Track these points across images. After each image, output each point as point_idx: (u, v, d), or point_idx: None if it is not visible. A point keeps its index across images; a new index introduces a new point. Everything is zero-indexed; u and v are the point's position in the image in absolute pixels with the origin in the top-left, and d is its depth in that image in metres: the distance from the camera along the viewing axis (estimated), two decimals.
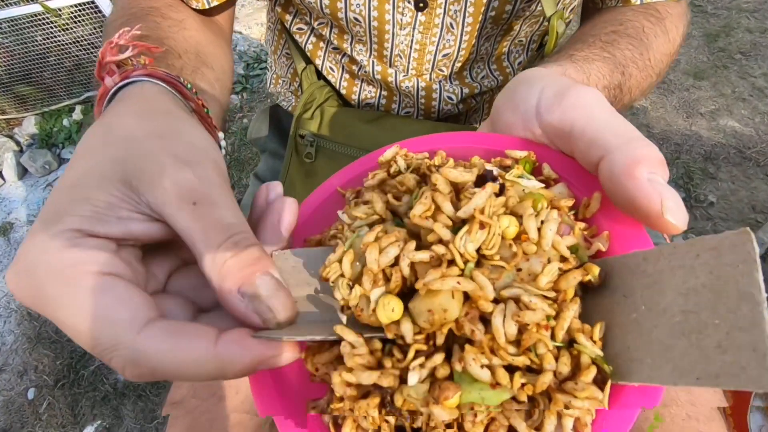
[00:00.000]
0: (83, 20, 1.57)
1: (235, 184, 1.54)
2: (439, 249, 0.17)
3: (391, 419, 0.18)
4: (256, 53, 1.91)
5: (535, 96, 0.23)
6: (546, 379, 0.15)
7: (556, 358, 0.16)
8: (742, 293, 0.13)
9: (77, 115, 1.80)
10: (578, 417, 0.15)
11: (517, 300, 0.16)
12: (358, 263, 0.19)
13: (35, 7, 1.48)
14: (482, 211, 0.17)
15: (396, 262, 0.18)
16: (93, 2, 1.49)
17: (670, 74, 1.53)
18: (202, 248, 0.18)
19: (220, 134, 0.29)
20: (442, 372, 0.17)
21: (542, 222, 0.17)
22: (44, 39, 1.61)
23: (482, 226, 0.16)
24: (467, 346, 0.17)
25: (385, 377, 0.17)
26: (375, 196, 0.20)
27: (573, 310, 0.16)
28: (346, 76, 0.51)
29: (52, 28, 1.57)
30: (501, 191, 0.19)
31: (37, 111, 1.86)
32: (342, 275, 0.19)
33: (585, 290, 0.19)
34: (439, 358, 0.16)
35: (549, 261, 0.17)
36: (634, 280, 0.17)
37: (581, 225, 0.19)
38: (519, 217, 0.18)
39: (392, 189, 0.21)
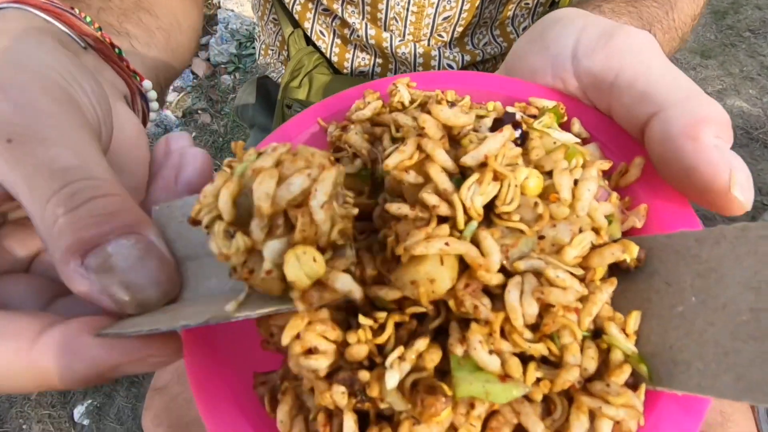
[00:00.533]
0: None
1: None
2: (431, 199, 0.13)
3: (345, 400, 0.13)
4: (248, 31, 1.84)
5: (572, 36, 0.19)
6: (570, 377, 0.12)
7: (581, 351, 0.13)
8: None
9: None
10: (620, 421, 0.12)
11: (538, 274, 0.13)
12: (245, 200, 0.12)
13: None
14: (496, 159, 0.13)
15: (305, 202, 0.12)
16: None
17: (678, 53, 1.48)
18: (28, 203, 0.13)
19: (146, 83, 0.24)
20: (430, 359, 0.13)
21: (576, 181, 0.14)
22: None
23: (496, 177, 0.13)
24: (474, 325, 0.13)
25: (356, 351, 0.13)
26: (353, 136, 0.16)
27: (607, 292, 0.13)
28: (338, 41, 0.47)
29: None
30: (522, 143, 0.15)
31: None
32: (219, 217, 0.13)
33: (612, 273, 0.15)
34: (422, 343, 0.13)
35: (580, 230, 0.14)
36: (681, 265, 0.14)
37: (615, 195, 0.16)
38: (545, 175, 0.14)
39: (386, 128, 0.17)
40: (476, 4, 0.42)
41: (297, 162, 0.12)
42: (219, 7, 2.00)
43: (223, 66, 1.79)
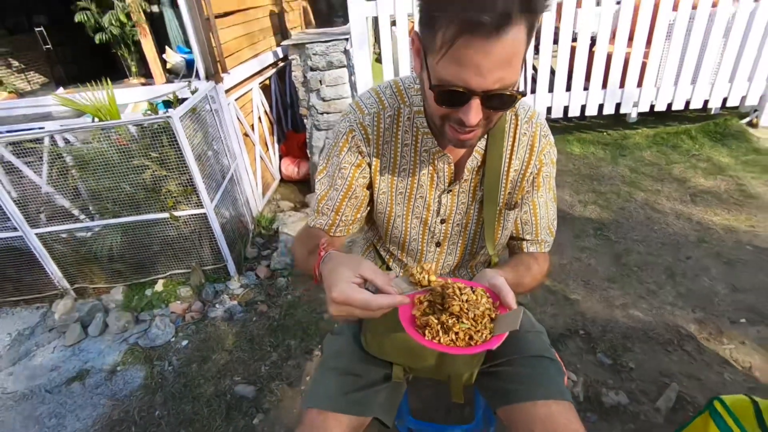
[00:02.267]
0: (191, 222, 2.29)
1: (279, 344, 1.99)
2: (453, 301, 0.70)
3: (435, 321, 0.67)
4: None
5: (489, 276, 0.78)
6: (484, 322, 0.67)
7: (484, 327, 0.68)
8: (516, 320, 0.67)
9: (159, 287, 2.35)
10: (486, 335, 0.67)
11: (475, 310, 0.69)
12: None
13: (164, 215, 2.20)
14: (469, 297, 0.71)
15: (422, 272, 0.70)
16: (204, 214, 2.23)
17: (592, 279, 2.20)
18: (380, 286, 0.62)
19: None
20: (451, 322, 0.67)
21: (482, 298, 0.72)
22: (158, 233, 2.29)
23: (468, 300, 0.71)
24: (464, 316, 0.67)
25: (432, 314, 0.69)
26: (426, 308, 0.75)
27: (487, 318, 0.69)
28: (402, 269, 1.10)
29: (166, 226, 2.27)
30: (473, 291, 0.73)
31: (126, 283, 2.41)
32: (414, 274, 0.68)
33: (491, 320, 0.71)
34: (451, 318, 0.68)
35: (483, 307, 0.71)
36: (505, 319, 0.71)
37: (493, 308, 0.73)
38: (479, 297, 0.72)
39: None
40: (459, 261, 1.06)
41: (418, 269, 0.71)
42: (278, 231, 2.81)
43: (279, 271, 2.47)
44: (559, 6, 2.92)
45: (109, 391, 1.85)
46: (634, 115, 3.58)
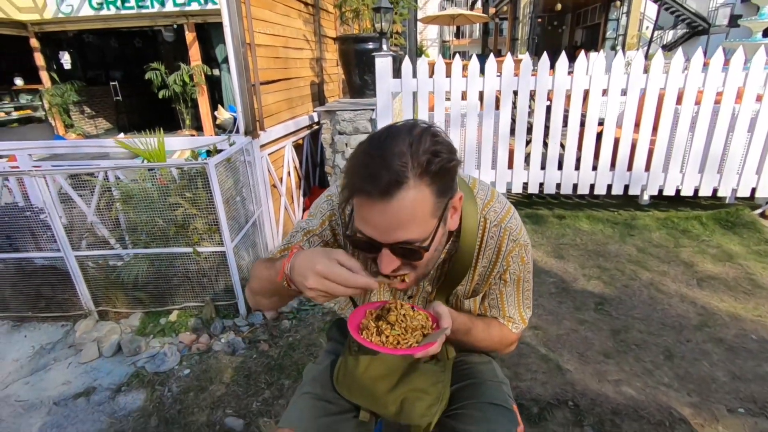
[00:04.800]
0: (211, 259, 2.49)
1: (274, 382, 2.07)
2: (394, 313, 0.82)
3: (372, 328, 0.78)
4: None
5: (435, 305, 0.89)
6: (415, 334, 0.78)
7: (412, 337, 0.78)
8: (437, 337, 0.77)
9: (173, 317, 2.51)
10: (412, 344, 0.77)
11: (408, 323, 0.80)
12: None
13: (188, 249, 2.42)
14: (407, 312, 0.82)
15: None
16: (223, 252, 2.44)
17: (588, 351, 2.21)
18: (355, 269, 0.66)
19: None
20: (384, 327, 0.78)
21: (419, 316, 0.82)
22: (180, 266, 2.50)
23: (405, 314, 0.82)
24: (397, 326, 0.78)
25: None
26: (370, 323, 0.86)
27: (419, 332, 0.79)
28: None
29: (188, 260, 2.48)
30: (414, 311, 0.84)
31: (144, 310, 2.59)
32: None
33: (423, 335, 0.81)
34: (386, 324, 0.79)
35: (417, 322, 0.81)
36: (431, 336, 0.80)
37: (430, 329, 0.84)
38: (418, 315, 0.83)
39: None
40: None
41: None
42: None
43: (285, 314, 2.59)
44: (568, 93, 3.19)
45: (110, 409, 1.95)
46: (646, 197, 3.68)
